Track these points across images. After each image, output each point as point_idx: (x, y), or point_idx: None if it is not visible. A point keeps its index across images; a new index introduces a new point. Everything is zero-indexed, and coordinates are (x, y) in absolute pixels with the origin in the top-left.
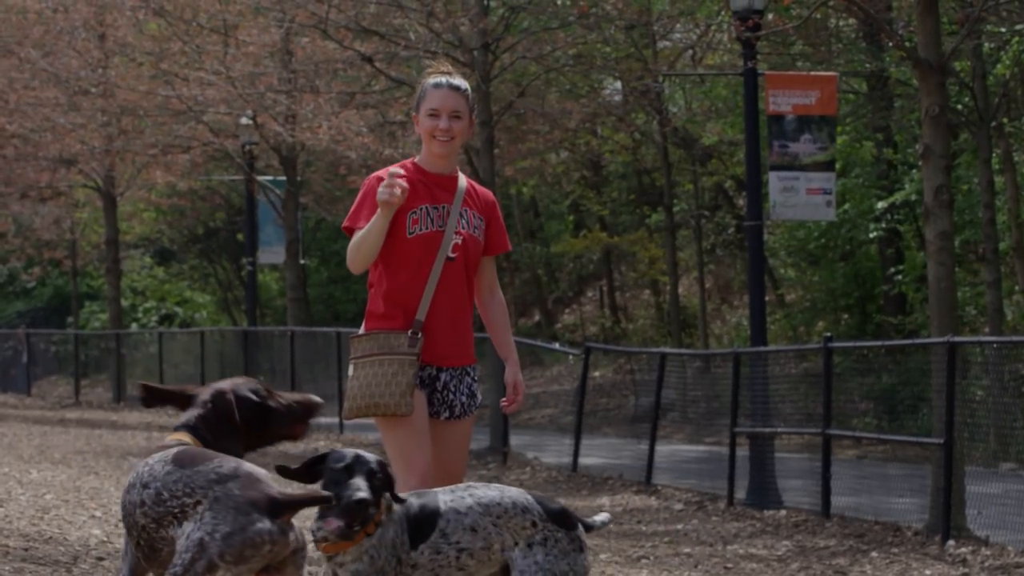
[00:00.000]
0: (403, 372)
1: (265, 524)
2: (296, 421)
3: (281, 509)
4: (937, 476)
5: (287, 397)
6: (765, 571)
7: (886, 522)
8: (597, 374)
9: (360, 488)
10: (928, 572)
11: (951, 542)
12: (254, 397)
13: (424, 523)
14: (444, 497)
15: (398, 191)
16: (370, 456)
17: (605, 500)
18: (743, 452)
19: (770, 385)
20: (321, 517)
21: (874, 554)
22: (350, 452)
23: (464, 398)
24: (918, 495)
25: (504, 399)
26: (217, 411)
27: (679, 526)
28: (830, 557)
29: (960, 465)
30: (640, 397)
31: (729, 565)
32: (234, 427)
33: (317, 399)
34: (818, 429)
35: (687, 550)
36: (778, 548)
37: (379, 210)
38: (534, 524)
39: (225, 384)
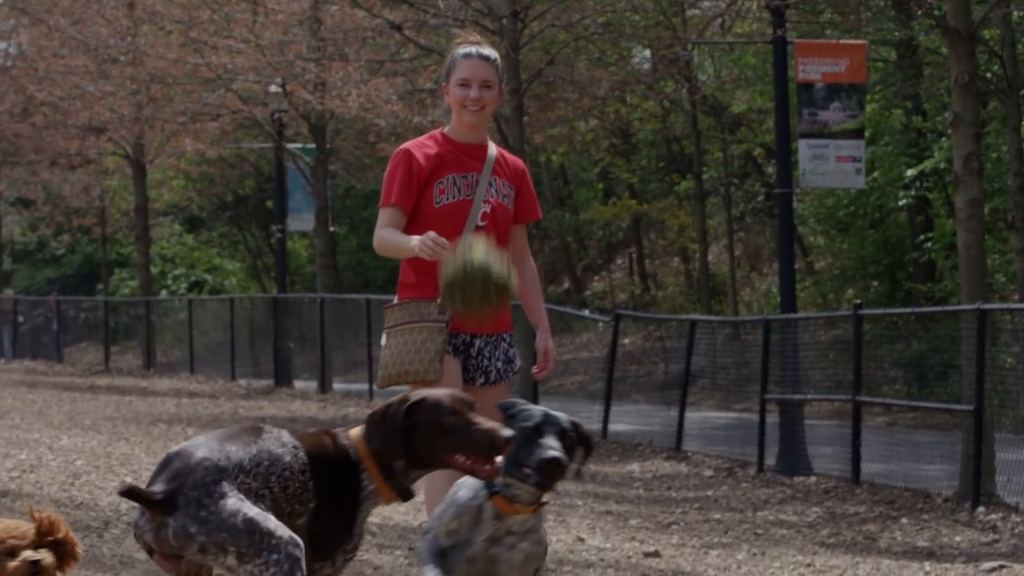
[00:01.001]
0: (432, 339)
1: (137, 515)
2: (476, 453)
3: (156, 505)
4: (967, 443)
5: (479, 424)
6: (795, 537)
7: (916, 489)
8: (627, 341)
9: (552, 447)
10: (958, 538)
11: (981, 509)
12: (434, 412)
13: None
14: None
15: (436, 256)
16: (560, 414)
17: (635, 467)
18: (773, 419)
19: (800, 352)
20: (508, 472)
21: (904, 520)
22: (538, 410)
23: (500, 364)
24: (948, 462)
25: (535, 366)
26: (389, 413)
27: (709, 492)
28: (860, 523)
29: (990, 432)
30: (670, 364)
31: (759, 531)
32: (393, 433)
33: (504, 432)
34: (848, 396)
35: (717, 516)
36: (808, 514)
37: (414, 243)
38: None
39: (426, 391)
